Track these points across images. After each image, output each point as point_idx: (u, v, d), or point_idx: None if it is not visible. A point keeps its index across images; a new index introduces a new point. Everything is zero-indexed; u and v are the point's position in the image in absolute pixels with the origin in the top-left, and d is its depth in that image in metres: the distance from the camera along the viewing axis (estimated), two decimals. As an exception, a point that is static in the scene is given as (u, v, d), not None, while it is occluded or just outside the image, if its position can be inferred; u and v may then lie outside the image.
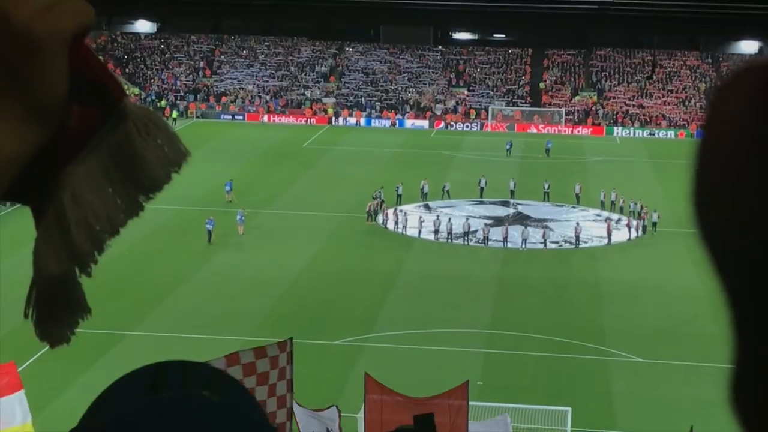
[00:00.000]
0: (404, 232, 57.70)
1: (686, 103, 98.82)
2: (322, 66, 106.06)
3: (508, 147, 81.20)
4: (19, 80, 1.40)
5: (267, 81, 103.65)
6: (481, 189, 66.76)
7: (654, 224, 58.91)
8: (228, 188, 63.03)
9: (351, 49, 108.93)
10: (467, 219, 58.77)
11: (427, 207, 63.53)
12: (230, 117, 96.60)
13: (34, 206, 1.54)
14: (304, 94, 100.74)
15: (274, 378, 12.59)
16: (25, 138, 1.42)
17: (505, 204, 65.41)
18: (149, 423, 1.38)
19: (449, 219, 58.62)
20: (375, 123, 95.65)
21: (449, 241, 56.88)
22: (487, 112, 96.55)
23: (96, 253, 1.54)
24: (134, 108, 1.55)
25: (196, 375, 1.51)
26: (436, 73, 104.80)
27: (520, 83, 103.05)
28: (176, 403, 1.42)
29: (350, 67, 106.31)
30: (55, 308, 1.57)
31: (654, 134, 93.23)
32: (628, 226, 58.96)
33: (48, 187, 1.51)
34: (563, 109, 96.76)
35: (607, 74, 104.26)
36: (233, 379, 1.57)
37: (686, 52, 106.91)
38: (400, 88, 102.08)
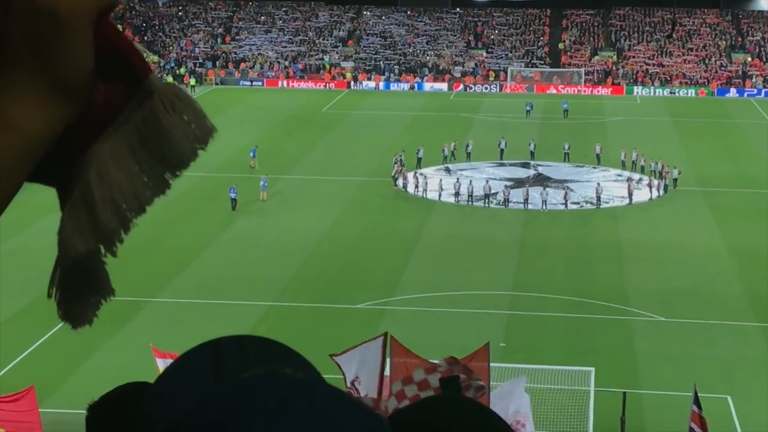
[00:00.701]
0: (425, 196, 57.66)
1: (706, 61, 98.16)
2: (340, 30, 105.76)
3: (528, 108, 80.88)
4: (45, 59, 1.41)
5: (285, 46, 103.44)
6: (501, 151, 66.59)
7: (675, 180, 58.79)
8: (252, 154, 62.98)
9: (369, 13, 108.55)
10: (488, 181, 58.65)
11: (447, 170, 63.45)
12: (249, 83, 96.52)
13: (60, 187, 1.53)
14: (322, 59, 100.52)
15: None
16: (53, 116, 1.43)
17: (526, 165, 65.26)
18: (244, 401, 1.28)
19: (470, 181, 58.53)
20: (394, 87, 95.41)
21: (470, 203, 56.83)
22: (506, 73, 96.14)
23: (122, 231, 1.53)
24: (161, 84, 1.55)
25: (261, 352, 1.44)
26: (455, 36, 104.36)
27: (539, 44, 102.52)
28: (262, 380, 1.32)
29: (368, 31, 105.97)
30: (79, 288, 1.56)
31: (674, 93, 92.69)
32: (649, 185, 58.75)
33: (74, 166, 1.50)
34: (582, 70, 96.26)
35: (627, 33, 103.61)
36: (300, 356, 1.50)
37: (706, 10, 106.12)
38: (418, 51, 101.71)
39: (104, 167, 1.50)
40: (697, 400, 20.93)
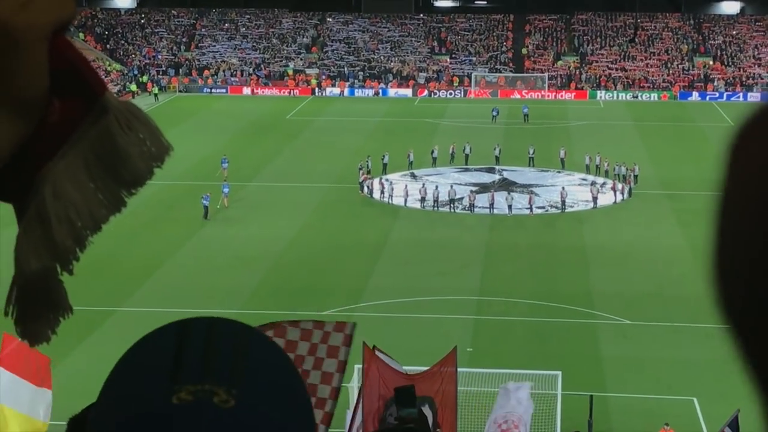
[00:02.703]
0: (390, 201, 57.70)
1: (669, 65, 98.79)
2: (303, 37, 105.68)
3: (494, 114, 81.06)
4: None
5: (249, 53, 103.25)
6: (466, 156, 66.73)
7: (635, 177, 59.42)
8: (223, 165, 61.49)
9: (332, 20, 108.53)
10: (452, 186, 58.78)
11: (413, 175, 63.53)
12: (211, 91, 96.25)
13: (17, 205, 1.51)
14: (286, 66, 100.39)
15: (323, 352, 12.41)
16: (6, 133, 1.41)
17: (491, 170, 65.43)
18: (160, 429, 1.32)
19: (435, 187, 58.62)
20: (358, 92, 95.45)
21: (435, 208, 56.92)
22: (470, 79, 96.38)
23: (78, 249, 1.52)
24: (116, 102, 1.53)
25: (218, 359, 1.40)
26: (418, 41, 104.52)
27: (503, 49, 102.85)
28: (188, 410, 1.33)
29: (332, 38, 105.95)
30: (36, 306, 1.55)
31: (637, 97, 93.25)
32: (614, 189, 59.06)
33: (30, 183, 1.48)
34: (546, 75, 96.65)
35: (589, 38, 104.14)
36: (264, 355, 1.46)
37: (668, 14, 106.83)
38: (382, 57, 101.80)
39: (59, 185, 1.48)
40: (735, 426, 19.73)
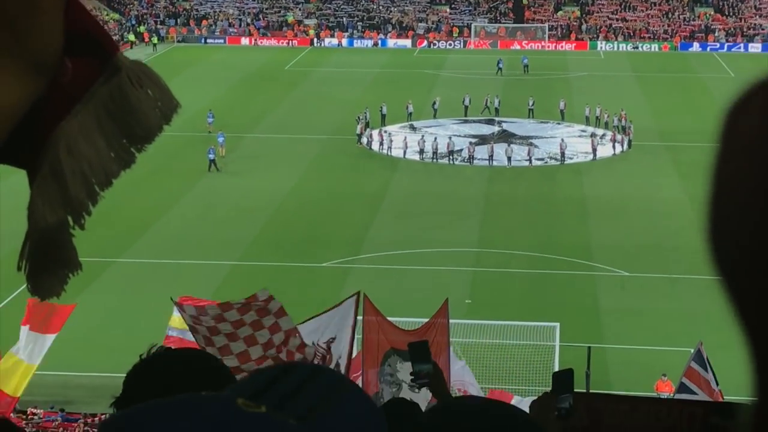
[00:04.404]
0: (389, 153, 57.60)
1: (669, 15, 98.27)
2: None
3: (499, 65, 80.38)
4: (15, 34, 1.42)
5: (247, 3, 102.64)
6: (466, 107, 66.56)
7: (623, 128, 59.68)
8: (210, 118, 61.36)
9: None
10: (451, 138, 58.68)
11: (412, 127, 63.38)
12: (211, 41, 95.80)
13: (30, 166, 1.56)
14: (284, 16, 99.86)
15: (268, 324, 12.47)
16: (21, 91, 1.44)
17: (490, 122, 65.29)
18: None
19: (434, 138, 58.51)
20: (357, 43, 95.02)
21: (434, 160, 56.85)
22: (469, 29, 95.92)
23: (90, 203, 1.59)
24: (128, 62, 1.60)
25: (306, 396, 1.31)
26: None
27: (502, 0, 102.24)
28: (248, 417, 1.25)
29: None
30: (48, 262, 1.60)
31: (638, 48, 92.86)
32: (613, 140, 58.96)
33: (43, 144, 1.53)
34: (546, 25, 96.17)
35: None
36: (347, 410, 1.33)
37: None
38: (381, 8, 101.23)
39: (73, 142, 1.53)
40: (701, 360, 19.72)
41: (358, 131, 59.86)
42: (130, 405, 1.30)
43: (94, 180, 1.57)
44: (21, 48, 1.42)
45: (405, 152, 57.36)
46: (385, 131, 60.16)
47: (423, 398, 9.08)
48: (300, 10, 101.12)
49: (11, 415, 21.96)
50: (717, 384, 19.32)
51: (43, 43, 1.44)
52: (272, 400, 1.31)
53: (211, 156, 53.79)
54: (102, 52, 1.56)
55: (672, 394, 23.65)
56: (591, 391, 27.87)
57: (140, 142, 1.62)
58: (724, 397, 19.28)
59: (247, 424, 1.25)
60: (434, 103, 66.45)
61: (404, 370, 14.38)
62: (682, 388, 19.58)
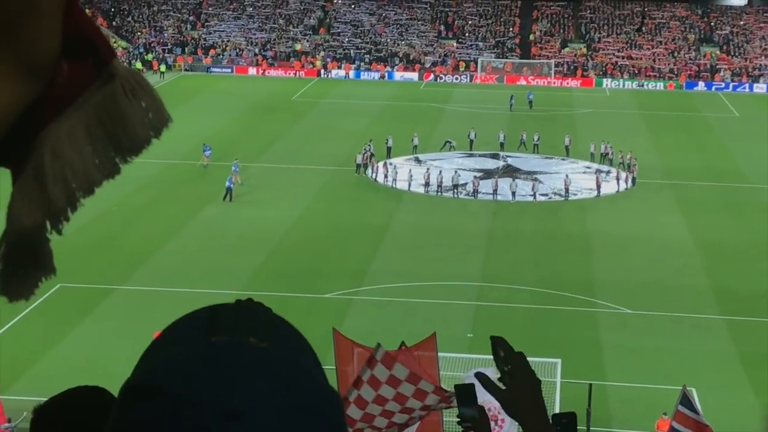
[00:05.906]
0: (394, 185, 57.66)
1: (675, 54, 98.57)
2: (310, 18, 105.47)
3: (511, 102, 79.81)
4: (13, 36, 1.42)
5: (255, 34, 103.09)
6: (471, 141, 66.66)
7: (628, 165, 59.65)
8: (206, 152, 59.73)
9: (339, 1, 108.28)
10: (457, 171, 58.74)
11: (417, 160, 63.47)
12: (219, 70, 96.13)
13: (13, 166, 1.54)
14: (292, 47, 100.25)
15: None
16: (17, 93, 1.44)
17: (495, 156, 65.37)
18: (196, 368, 1.34)
19: (439, 171, 58.56)
20: (364, 75, 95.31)
21: (439, 193, 56.89)
22: (476, 64, 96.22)
23: (69, 209, 1.55)
24: (123, 70, 1.58)
25: (249, 320, 1.44)
26: (425, 25, 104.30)
27: (510, 35, 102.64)
28: (225, 349, 1.37)
29: (339, 20, 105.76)
30: (22, 264, 1.58)
31: (643, 86, 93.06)
32: (617, 178, 58.99)
33: (29, 145, 1.52)
34: (552, 61, 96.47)
35: (597, 26, 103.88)
36: (289, 328, 1.49)
37: (675, 3, 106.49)
38: (389, 41, 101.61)
39: (60, 146, 1.51)
40: (688, 402, 19.87)
41: (358, 161, 59.85)
42: None
43: (76, 186, 1.54)
44: (18, 50, 1.42)
45: (410, 185, 57.41)
46: (390, 163, 60.23)
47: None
48: (308, 41, 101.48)
49: None
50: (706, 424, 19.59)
51: (41, 46, 1.45)
52: (232, 332, 1.41)
53: (229, 184, 53.55)
54: (99, 58, 1.55)
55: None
56: (591, 428, 27.83)
57: (127, 153, 1.58)
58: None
59: (233, 353, 1.36)
60: (450, 143, 66.00)
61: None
62: None
